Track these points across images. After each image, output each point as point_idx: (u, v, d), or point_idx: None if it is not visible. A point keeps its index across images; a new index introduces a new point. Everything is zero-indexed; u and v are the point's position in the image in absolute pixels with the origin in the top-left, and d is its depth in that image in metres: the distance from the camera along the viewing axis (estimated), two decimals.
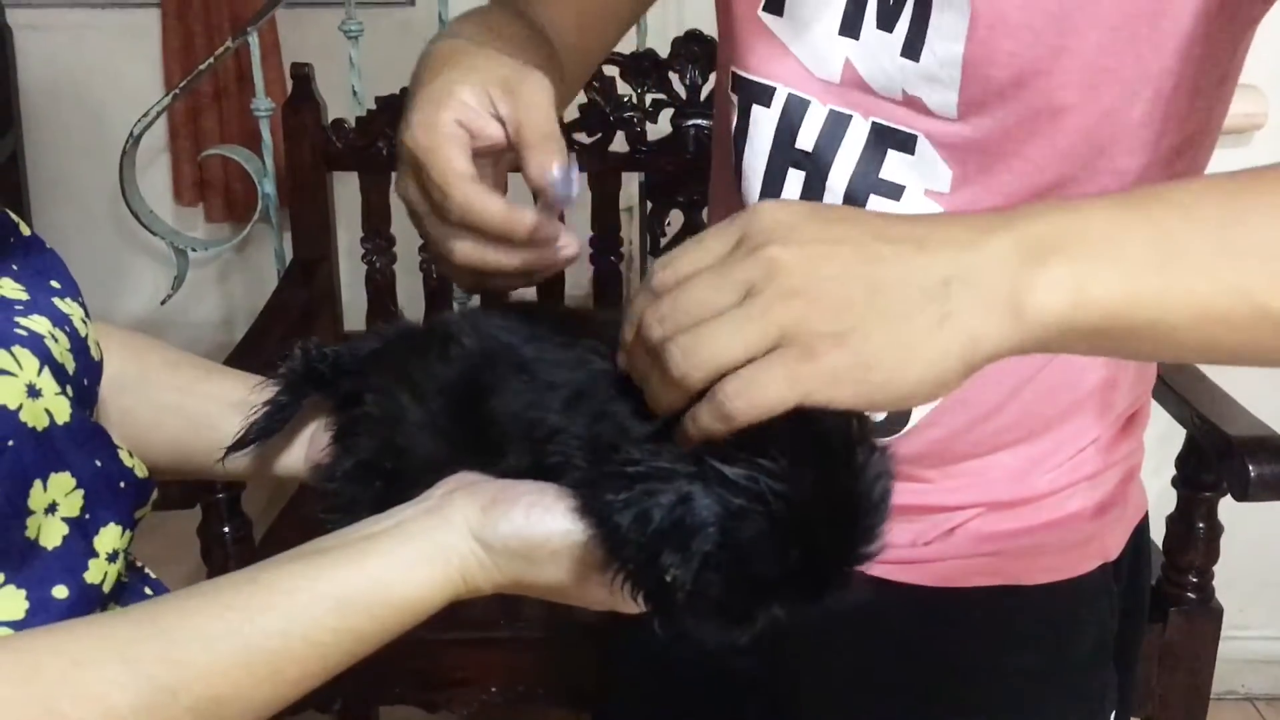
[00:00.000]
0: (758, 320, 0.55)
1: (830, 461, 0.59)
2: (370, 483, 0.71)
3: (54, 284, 0.68)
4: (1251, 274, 0.58)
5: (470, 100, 0.72)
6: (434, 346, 0.71)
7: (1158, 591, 1.54)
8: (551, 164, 0.69)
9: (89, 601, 0.63)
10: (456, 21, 0.89)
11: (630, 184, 2.05)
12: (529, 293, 0.82)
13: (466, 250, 0.72)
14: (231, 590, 0.59)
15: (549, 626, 1.62)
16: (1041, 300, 0.56)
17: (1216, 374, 1.60)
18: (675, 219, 1.98)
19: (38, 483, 0.60)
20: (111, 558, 0.65)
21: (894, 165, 0.85)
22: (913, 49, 0.81)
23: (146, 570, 0.72)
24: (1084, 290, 0.57)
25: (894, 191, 0.85)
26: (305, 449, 0.79)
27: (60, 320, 0.66)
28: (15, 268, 0.67)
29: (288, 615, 0.58)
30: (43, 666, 0.54)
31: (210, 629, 0.57)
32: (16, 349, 0.61)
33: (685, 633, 0.61)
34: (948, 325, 0.56)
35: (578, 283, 2.05)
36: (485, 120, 0.72)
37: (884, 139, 0.85)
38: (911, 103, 0.83)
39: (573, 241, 0.72)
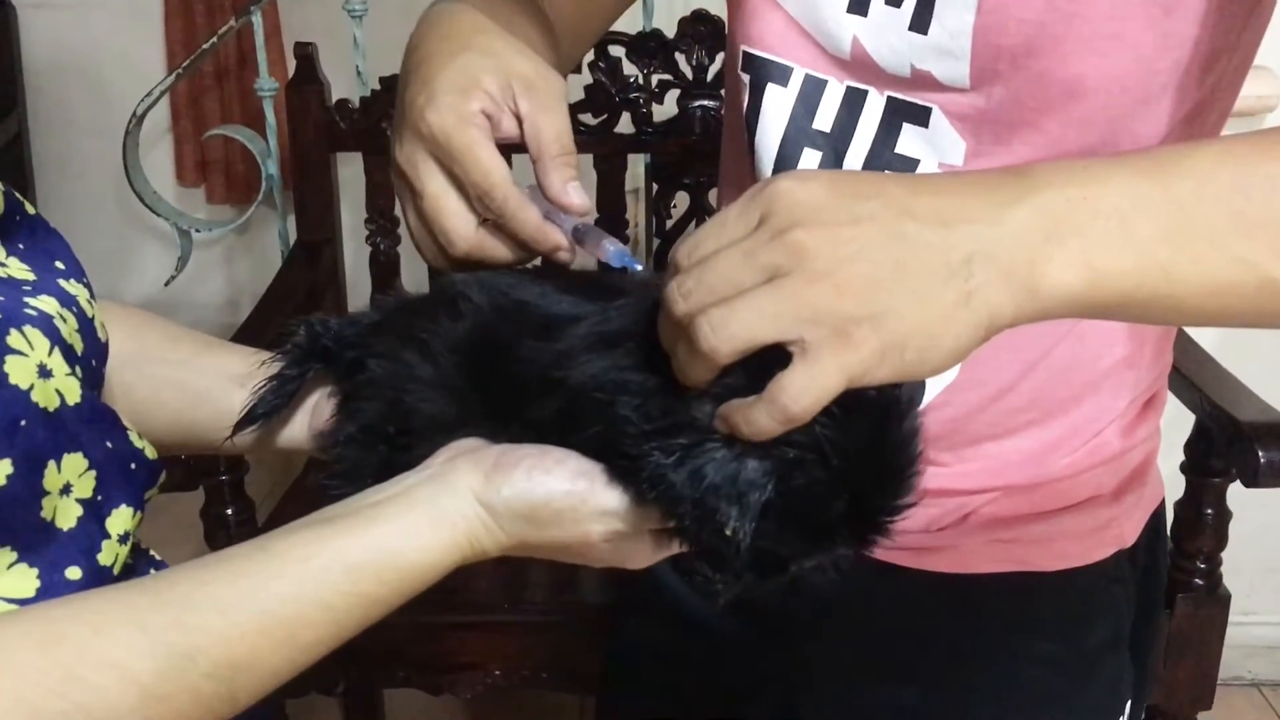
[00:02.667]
0: (789, 303, 0.55)
1: (878, 412, 0.60)
2: (374, 447, 0.70)
3: (59, 265, 0.68)
4: (1260, 245, 0.59)
5: (494, 91, 0.73)
6: (441, 306, 0.71)
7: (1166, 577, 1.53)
8: (568, 180, 0.73)
9: (100, 583, 0.63)
10: None
11: (636, 165, 2.04)
12: None
13: (470, 238, 0.74)
14: (244, 559, 0.60)
15: (552, 610, 1.62)
16: (1057, 278, 0.58)
17: (1226, 359, 1.59)
18: (681, 200, 1.97)
19: (51, 464, 0.60)
20: (122, 539, 0.65)
21: (909, 139, 0.84)
22: (921, 22, 0.81)
23: (151, 552, 0.72)
24: (1096, 268, 0.58)
25: (909, 167, 0.84)
26: (308, 420, 0.79)
27: (68, 301, 0.66)
28: (21, 247, 0.67)
29: (300, 581, 0.59)
30: (64, 634, 0.54)
31: (226, 596, 0.57)
32: (28, 329, 0.61)
33: (730, 587, 0.61)
34: (971, 302, 0.57)
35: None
36: (504, 115, 0.74)
37: (899, 113, 0.84)
38: (921, 78, 0.82)
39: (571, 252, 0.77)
